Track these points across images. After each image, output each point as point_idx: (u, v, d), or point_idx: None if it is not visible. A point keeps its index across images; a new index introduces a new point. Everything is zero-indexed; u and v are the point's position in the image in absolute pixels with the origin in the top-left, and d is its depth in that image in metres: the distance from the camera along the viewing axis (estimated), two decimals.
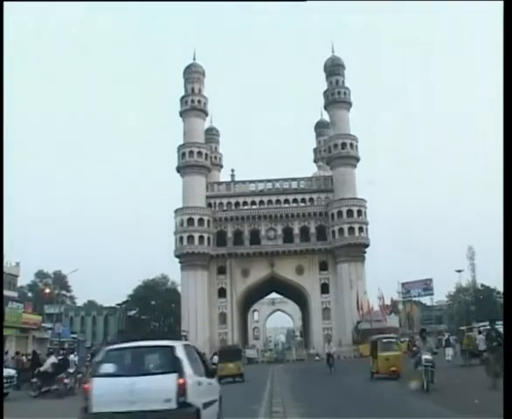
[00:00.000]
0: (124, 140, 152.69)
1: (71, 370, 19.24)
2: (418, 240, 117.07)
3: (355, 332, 52.29)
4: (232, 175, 63.26)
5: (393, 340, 21.49)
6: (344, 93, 60.51)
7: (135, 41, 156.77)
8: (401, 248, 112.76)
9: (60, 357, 20.24)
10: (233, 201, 59.76)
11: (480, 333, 26.76)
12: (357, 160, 59.13)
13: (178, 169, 59.50)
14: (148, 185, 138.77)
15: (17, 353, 27.35)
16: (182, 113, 60.91)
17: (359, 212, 56.65)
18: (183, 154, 59.04)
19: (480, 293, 66.49)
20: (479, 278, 68.60)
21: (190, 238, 56.30)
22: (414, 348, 16.51)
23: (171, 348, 6.60)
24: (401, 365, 18.49)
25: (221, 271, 58.45)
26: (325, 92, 61.67)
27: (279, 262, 57.60)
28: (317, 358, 45.23)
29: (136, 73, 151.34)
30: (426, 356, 13.89)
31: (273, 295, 76.04)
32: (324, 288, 57.74)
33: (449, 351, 25.32)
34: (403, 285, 64.96)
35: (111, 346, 7.21)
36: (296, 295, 63.04)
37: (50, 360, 19.25)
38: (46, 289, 65.60)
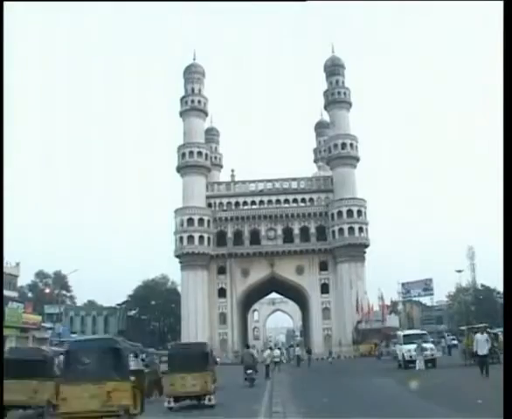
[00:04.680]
0: (124, 141, 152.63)
1: None
2: (418, 240, 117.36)
3: (355, 332, 52.29)
4: (232, 175, 63.17)
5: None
6: (344, 93, 60.44)
7: (135, 41, 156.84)
8: (401, 248, 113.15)
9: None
10: (233, 201, 59.70)
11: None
12: (357, 160, 59.09)
13: (178, 169, 59.47)
14: (148, 185, 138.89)
15: None
16: (182, 113, 60.86)
17: (359, 212, 56.60)
18: (183, 154, 59.00)
19: (480, 293, 66.45)
20: (479, 278, 68.67)
21: (190, 238, 56.26)
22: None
23: None
24: None
25: (221, 271, 58.41)
26: (325, 92, 61.61)
27: (279, 262, 57.55)
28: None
29: (136, 73, 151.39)
30: None
31: (273, 295, 75.99)
32: (324, 288, 57.69)
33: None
34: (403, 285, 65.12)
35: None
36: (296, 295, 63.00)
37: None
38: (46, 289, 65.63)
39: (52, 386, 11.31)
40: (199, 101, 60.79)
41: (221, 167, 71.88)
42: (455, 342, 27.86)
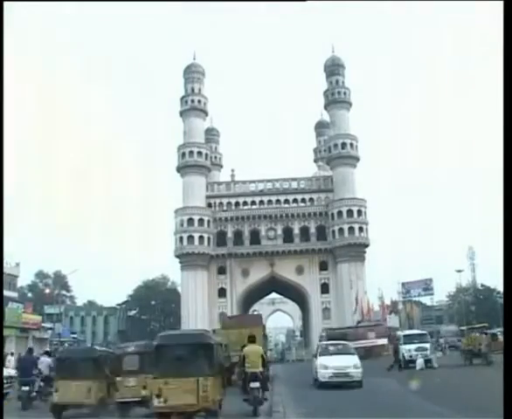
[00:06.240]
0: (123, 140, 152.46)
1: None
2: (418, 240, 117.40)
3: None
4: (232, 175, 63.19)
5: None
6: (344, 93, 60.46)
7: (135, 41, 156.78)
8: (401, 248, 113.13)
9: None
10: (233, 201, 59.69)
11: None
12: (357, 160, 59.11)
13: (178, 169, 59.47)
14: (148, 185, 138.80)
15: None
16: (182, 113, 60.86)
17: (359, 212, 56.61)
18: (183, 154, 59.01)
19: (481, 293, 66.41)
20: (479, 278, 68.64)
21: (190, 238, 56.25)
22: None
23: None
24: None
25: (221, 271, 58.40)
26: (325, 92, 61.63)
27: (279, 262, 57.53)
28: None
29: (136, 73, 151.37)
30: None
31: (273, 295, 76.02)
32: (324, 288, 57.69)
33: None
34: (403, 284, 65.10)
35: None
36: (296, 295, 62.99)
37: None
38: (46, 289, 65.64)
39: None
40: (199, 101, 60.79)
41: (221, 167, 71.90)
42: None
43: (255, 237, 58.34)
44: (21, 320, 38.10)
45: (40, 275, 75.33)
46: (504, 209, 5.60)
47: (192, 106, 60.09)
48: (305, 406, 12.35)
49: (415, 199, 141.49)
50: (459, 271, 57.72)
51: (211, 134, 69.71)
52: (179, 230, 56.80)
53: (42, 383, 15.40)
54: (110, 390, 12.51)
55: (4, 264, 44.42)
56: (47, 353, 17.94)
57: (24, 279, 67.74)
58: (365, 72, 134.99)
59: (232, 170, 63.90)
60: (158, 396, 9.07)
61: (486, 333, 25.40)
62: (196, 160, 58.47)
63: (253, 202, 59.74)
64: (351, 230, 55.83)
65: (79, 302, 79.06)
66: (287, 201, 59.41)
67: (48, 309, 56.80)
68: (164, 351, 9.78)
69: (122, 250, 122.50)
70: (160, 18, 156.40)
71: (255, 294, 63.65)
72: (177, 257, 57.35)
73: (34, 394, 15.20)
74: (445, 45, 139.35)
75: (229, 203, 59.60)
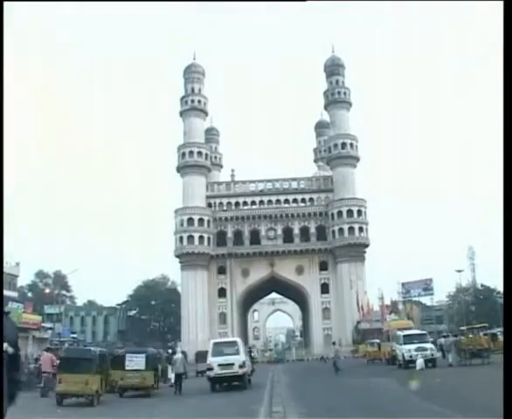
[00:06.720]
0: (124, 141, 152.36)
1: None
2: (418, 240, 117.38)
3: (355, 332, 52.25)
4: (232, 175, 63.20)
5: None
6: (344, 93, 60.51)
7: (135, 41, 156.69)
8: (401, 248, 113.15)
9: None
10: (233, 201, 59.73)
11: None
12: (357, 160, 59.15)
13: (178, 169, 59.50)
14: (148, 185, 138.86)
15: None
16: (182, 113, 60.90)
17: (359, 212, 56.65)
18: (183, 154, 59.04)
19: (480, 293, 66.35)
20: (479, 278, 68.59)
21: (190, 238, 56.29)
22: None
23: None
24: None
25: (221, 271, 58.43)
26: (325, 92, 61.68)
27: (279, 262, 57.57)
28: None
29: (136, 73, 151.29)
30: None
31: (273, 295, 76.04)
32: (324, 288, 57.73)
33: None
34: (403, 285, 65.07)
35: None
36: (296, 295, 63.03)
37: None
38: (46, 289, 65.58)
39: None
40: (199, 101, 60.80)
41: (221, 167, 71.92)
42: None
43: (255, 237, 58.35)
44: (21, 320, 38.04)
45: (40, 275, 75.26)
46: (504, 209, 5.59)
47: (192, 106, 60.12)
48: (305, 406, 12.35)
49: (415, 199, 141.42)
50: (459, 271, 57.65)
51: (210, 134, 69.76)
52: (179, 230, 56.82)
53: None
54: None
55: (4, 264, 44.37)
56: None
57: (24, 279, 67.70)
58: (365, 72, 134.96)
59: (232, 170, 63.94)
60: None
61: (485, 334, 25.41)
62: (196, 160, 58.51)
63: (253, 202, 59.77)
64: (351, 230, 55.86)
65: (79, 302, 79.02)
66: (287, 201, 59.44)
67: (48, 309, 56.73)
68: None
69: (122, 250, 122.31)
70: (160, 18, 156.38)
71: (255, 294, 63.69)
72: (177, 256, 57.38)
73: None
74: (445, 45, 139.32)
75: (229, 203, 59.61)
